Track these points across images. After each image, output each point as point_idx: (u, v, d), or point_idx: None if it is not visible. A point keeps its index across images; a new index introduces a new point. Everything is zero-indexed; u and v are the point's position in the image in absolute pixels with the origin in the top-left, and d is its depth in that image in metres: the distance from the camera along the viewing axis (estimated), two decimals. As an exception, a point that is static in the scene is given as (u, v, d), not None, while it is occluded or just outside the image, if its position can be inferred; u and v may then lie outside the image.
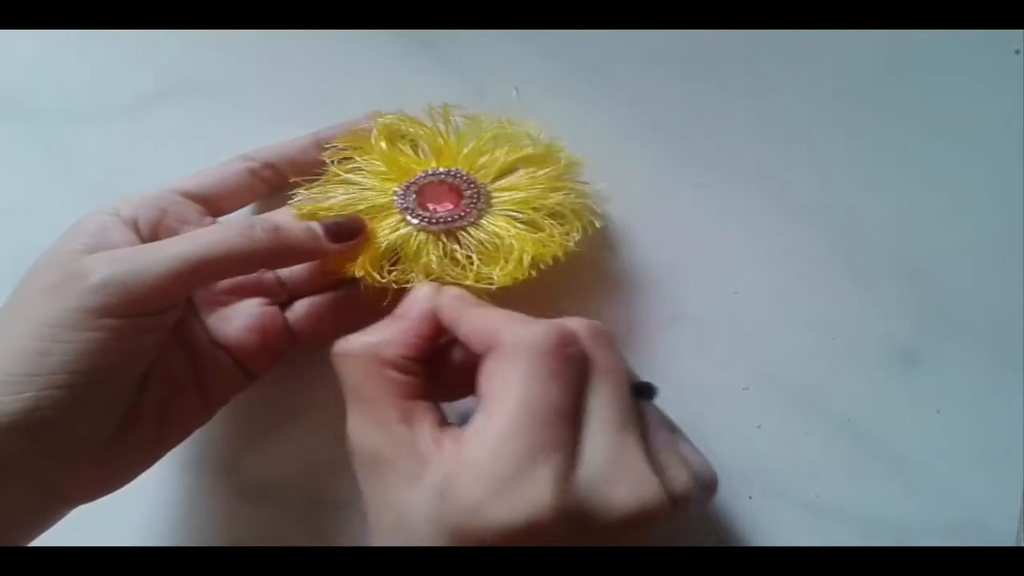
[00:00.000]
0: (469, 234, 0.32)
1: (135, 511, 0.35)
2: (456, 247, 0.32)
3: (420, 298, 0.29)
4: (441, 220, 0.32)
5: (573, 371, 0.25)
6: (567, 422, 0.24)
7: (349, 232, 0.31)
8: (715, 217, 0.34)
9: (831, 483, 0.33)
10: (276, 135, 0.34)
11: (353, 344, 0.28)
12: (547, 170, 0.32)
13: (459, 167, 0.32)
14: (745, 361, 0.31)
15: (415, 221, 0.32)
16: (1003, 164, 0.33)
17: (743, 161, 0.34)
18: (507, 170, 0.33)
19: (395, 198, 0.32)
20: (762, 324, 0.33)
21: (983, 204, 0.33)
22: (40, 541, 0.29)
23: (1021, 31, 0.33)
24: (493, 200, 0.32)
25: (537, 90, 0.34)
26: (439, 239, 0.32)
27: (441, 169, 0.32)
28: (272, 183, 0.33)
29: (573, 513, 0.23)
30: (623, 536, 0.24)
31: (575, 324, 0.26)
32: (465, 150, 0.32)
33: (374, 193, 0.32)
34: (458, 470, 0.24)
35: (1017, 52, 0.33)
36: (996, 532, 0.32)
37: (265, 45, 0.36)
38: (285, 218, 0.31)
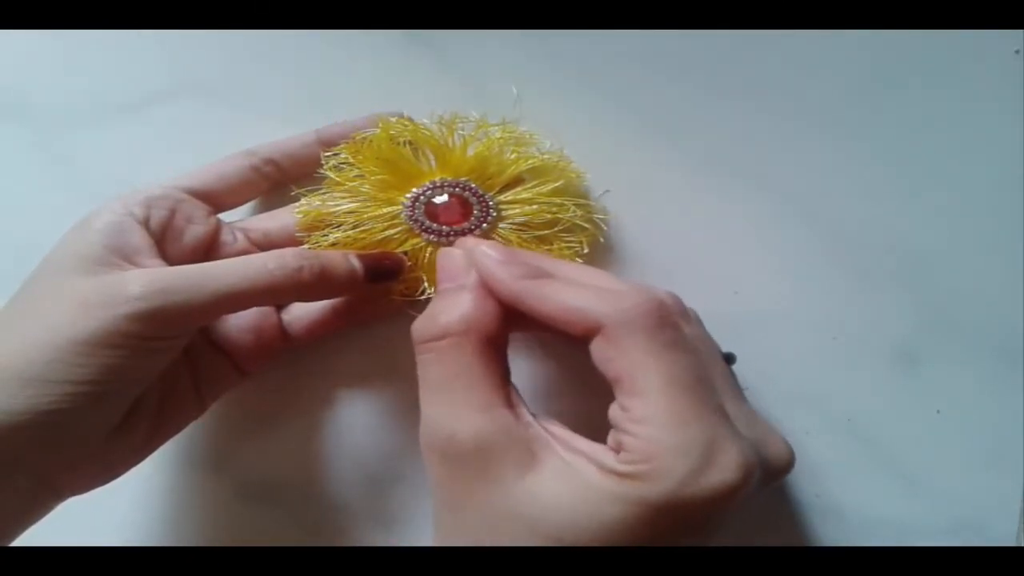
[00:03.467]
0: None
1: (135, 511, 0.35)
2: None
3: (461, 266, 0.27)
4: (452, 234, 0.32)
5: (683, 338, 0.25)
6: (709, 385, 0.24)
7: (388, 273, 0.31)
8: (715, 217, 0.34)
9: (831, 483, 0.33)
10: (276, 135, 0.34)
11: (450, 320, 0.26)
12: (555, 184, 0.32)
13: (467, 179, 0.32)
14: (745, 361, 0.31)
15: (429, 236, 0.32)
16: (1003, 164, 0.33)
17: (743, 161, 0.34)
18: (514, 181, 0.33)
19: (403, 209, 0.32)
20: (762, 324, 0.33)
21: (983, 204, 0.33)
22: (40, 540, 0.29)
23: (1021, 31, 0.33)
24: (501, 213, 0.32)
25: (537, 90, 0.34)
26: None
27: (450, 180, 0.32)
28: (274, 179, 0.33)
29: (756, 469, 0.24)
30: (775, 483, 0.25)
31: (661, 294, 0.26)
32: (471, 160, 0.32)
33: (379, 202, 0.32)
34: (650, 450, 0.23)
35: (1017, 52, 0.33)
36: (996, 532, 0.32)
37: (265, 45, 0.36)
38: (330, 259, 0.30)
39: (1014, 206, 0.33)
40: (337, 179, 0.32)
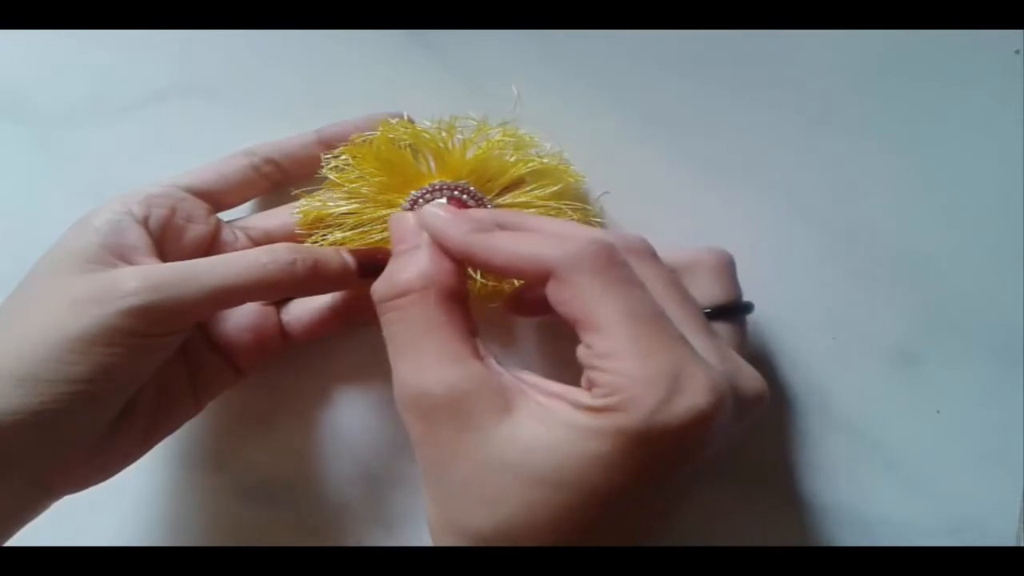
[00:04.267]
0: None
1: (134, 511, 0.35)
2: None
3: (412, 228, 0.27)
4: None
5: (634, 275, 0.25)
6: (667, 318, 0.24)
7: (380, 268, 0.31)
8: (715, 217, 0.34)
9: (831, 483, 0.33)
10: (275, 135, 0.34)
11: (408, 277, 0.26)
12: (554, 188, 0.32)
13: (466, 181, 0.32)
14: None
15: None
16: (1003, 164, 0.33)
17: (743, 161, 0.34)
18: (513, 184, 0.33)
19: (401, 210, 0.32)
20: (762, 324, 0.33)
21: (983, 204, 0.33)
22: (39, 540, 0.29)
23: (1021, 31, 0.33)
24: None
25: (537, 90, 0.34)
26: None
27: (449, 183, 0.32)
28: (274, 179, 0.33)
29: (728, 396, 0.24)
30: (751, 418, 0.25)
31: (610, 235, 0.26)
32: (471, 162, 0.32)
33: (378, 204, 0.32)
34: (618, 383, 0.23)
35: (1017, 52, 0.33)
36: (996, 532, 0.32)
37: (264, 45, 0.36)
38: (323, 253, 0.30)
39: (1014, 206, 0.33)
40: (337, 180, 0.32)
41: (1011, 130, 0.33)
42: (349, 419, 0.35)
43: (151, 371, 0.29)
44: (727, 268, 0.31)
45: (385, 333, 0.26)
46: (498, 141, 0.32)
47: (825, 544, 0.33)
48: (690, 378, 0.23)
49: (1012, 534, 0.32)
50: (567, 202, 0.32)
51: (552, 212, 0.32)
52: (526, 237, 0.26)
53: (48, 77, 0.37)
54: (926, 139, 0.33)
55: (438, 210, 0.27)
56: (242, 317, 0.32)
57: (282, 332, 0.33)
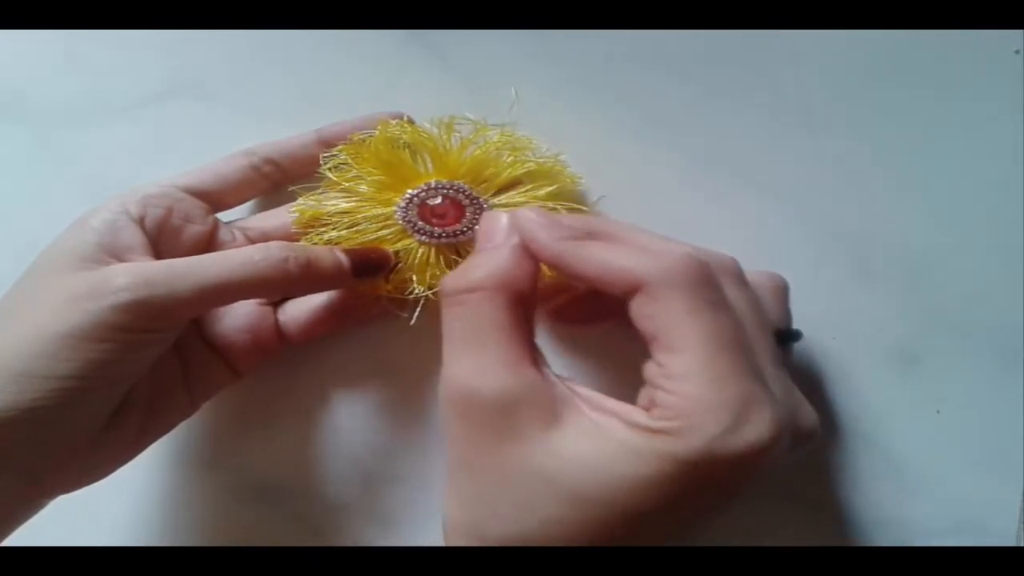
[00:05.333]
0: (471, 248, 0.32)
1: (132, 510, 0.35)
2: (456, 258, 0.32)
3: (503, 228, 0.27)
4: (444, 235, 0.32)
5: (724, 299, 0.25)
6: (747, 347, 0.24)
7: (374, 268, 0.31)
8: (714, 217, 0.34)
9: (831, 483, 0.33)
10: (275, 135, 0.34)
11: (483, 275, 0.25)
12: (549, 188, 0.32)
13: (462, 181, 0.32)
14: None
15: (421, 237, 0.32)
16: (1003, 164, 0.33)
17: (742, 161, 0.34)
18: (509, 184, 0.33)
19: (397, 210, 0.32)
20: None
21: (983, 204, 0.33)
22: (38, 541, 0.29)
23: (1021, 31, 0.33)
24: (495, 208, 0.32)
25: (536, 90, 0.34)
26: (441, 251, 0.32)
27: (444, 183, 0.32)
28: (273, 179, 0.33)
29: (787, 432, 0.24)
30: (802, 450, 0.25)
31: (704, 254, 0.26)
32: (468, 162, 0.32)
33: (375, 203, 0.32)
34: (684, 407, 0.23)
35: (1017, 52, 0.33)
36: (996, 532, 0.32)
37: (265, 45, 0.36)
38: (316, 251, 0.30)
39: (1014, 206, 0.33)
40: (335, 179, 0.32)
41: (1011, 130, 0.33)
42: (348, 419, 0.35)
43: (144, 368, 0.29)
44: (784, 294, 0.31)
45: (445, 325, 0.26)
46: (495, 142, 0.32)
47: (825, 544, 0.33)
48: (756, 411, 0.23)
49: (1012, 534, 0.32)
50: (563, 203, 0.32)
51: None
52: (619, 249, 0.25)
53: (48, 77, 0.37)
54: (926, 139, 0.33)
55: (532, 214, 0.27)
56: (239, 317, 0.32)
57: (279, 333, 0.33)
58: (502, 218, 0.27)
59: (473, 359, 0.25)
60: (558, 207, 0.32)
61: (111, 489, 0.30)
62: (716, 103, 0.34)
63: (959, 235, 0.33)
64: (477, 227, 0.28)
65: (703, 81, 0.34)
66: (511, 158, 0.32)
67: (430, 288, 0.32)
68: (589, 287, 0.28)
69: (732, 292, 0.26)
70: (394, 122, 0.33)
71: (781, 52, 0.34)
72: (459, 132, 0.32)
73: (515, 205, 0.32)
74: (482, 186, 0.32)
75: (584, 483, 0.23)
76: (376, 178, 0.32)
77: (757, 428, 0.23)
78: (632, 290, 0.24)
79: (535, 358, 0.25)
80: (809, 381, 0.33)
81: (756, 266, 0.33)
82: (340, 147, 0.32)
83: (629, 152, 0.34)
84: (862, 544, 0.32)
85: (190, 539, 0.35)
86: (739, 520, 0.33)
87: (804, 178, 0.34)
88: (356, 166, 0.32)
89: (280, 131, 0.34)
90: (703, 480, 0.23)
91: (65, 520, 0.30)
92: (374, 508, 0.34)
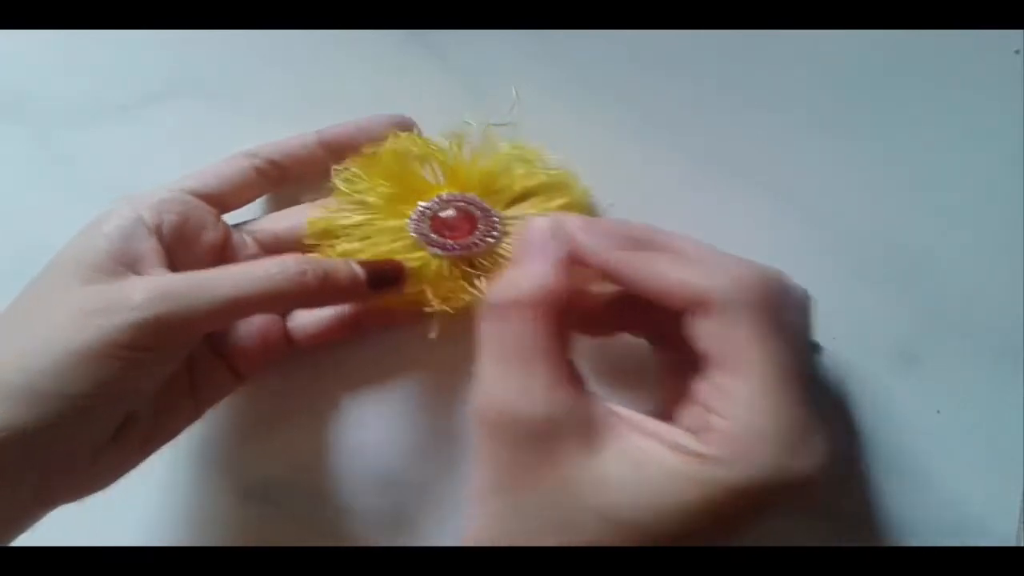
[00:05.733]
0: (483, 260, 0.32)
1: (135, 511, 0.35)
2: (470, 270, 0.32)
3: (545, 237, 0.26)
4: (457, 248, 0.32)
5: (789, 324, 0.24)
6: (804, 375, 0.24)
7: (389, 281, 0.31)
8: (715, 217, 0.34)
9: (831, 483, 0.33)
10: (276, 135, 0.34)
11: (527, 289, 0.24)
12: (561, 200, 0.32)
13: (474, 193, 0.32)
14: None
15: (434, 250, 0.32)
16: (1003, 164, 0.33)
17: (743, 161, 0.34)
18: (520, 196, 0.33)
19: (409, 223, 0.32)
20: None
21: (983, 204, 0.33)
22: (40, 540, 0.29)
23: (1021, 31, 0.33)
24: (507, 228, 0.32)
25: (536, 90, 0.34)
26: (455, 264, 0.32)
27: (456, 195, 0.32)
28: (275, 180, 0.33)
29: (830, 460, 0.23)
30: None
31: (770, 273, 0.25)
32: (479, 174, 0.32)
33: (386, 215, 0.32)
34: (741, 433, 0.22)
35: (1017, 52, 0.33)
36: (996, 532, 0.32)
37: (265, 45, 0.36)
38: (332, 264, 0.30)
39: (1014, 206, 0.33)
40: (346, 191, 0.32)
41: (1011, 130, 0.33)
42: (352, 420, 0.35)
43: (155, 385, 0.28)
44: (809, 308, 0.30)
45: (484, 341, 0.25)
46: (506, 154, 0.32)
47: (824, 544, 0.33)
48: (807, 443, 0.23)
49: (1012, 534, 0.32)
50: (575, 215, 0.32)
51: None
52: (682, 261, 0.25)
53: (48, 77, 0.37)
54: (926, 139, 0.33)
55: (579, 221, 0.26)
56: (248, 323, 0.32)
57: (287, 338, 0.33)
58: (544, 226, 0.26)
59: (517, 380, 0.24)
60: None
61: (113, 489, 0.30)
62: (716, 103, 0.34)
63: (959, 235, 0.33)
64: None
65: (703, 81, 0.34)
66: (522, 170, 0.32)
67: (444, 300, 0.32)
68: (616, 296, 0.27)
69: (791, 314, 0.25)
70: (403, 134, 0.32)
71: (781, 52, 0.34)
72: (469, 143, 0.32)
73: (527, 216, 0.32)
74: (493, 198, 0.32)
75: (626, 508, 0.23)
76: (387, 190, 0.32)
77: (806, 460, 0.23)
78: (695, 306, 0.24)
79: (573, 377, 0.25)
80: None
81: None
82: (350, 160, 0.32)
83: (629, 152, 0.34)
84: (862, 544, 0.32)
85: (191, 539, 0.35)
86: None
87: (804, 178, 0.34)
88: (366, 179, 0.32)
89: (280, 131, 0.34)
90: (747, 507, 0.23)
91: (67, 520, 0.29)
92: (377, 509, 0.34)
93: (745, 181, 0.34)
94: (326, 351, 0.35)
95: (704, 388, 0.24)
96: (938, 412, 0.33)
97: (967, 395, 0.33)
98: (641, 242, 0.26)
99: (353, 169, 0.32)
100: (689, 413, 0.24)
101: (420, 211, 0.32)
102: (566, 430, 0.23)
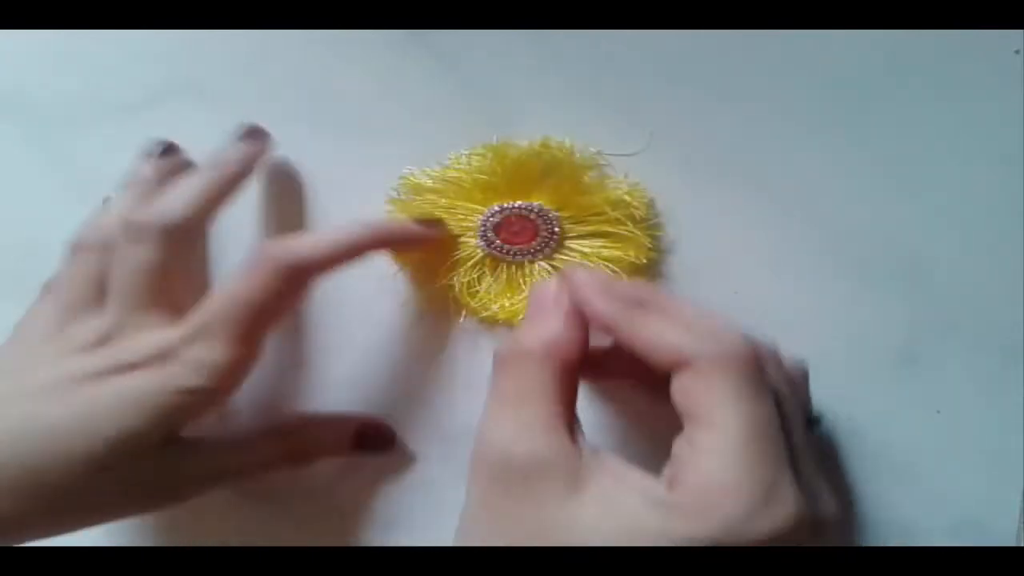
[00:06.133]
0: (537, 267, 0.33)
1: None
2: (523, 275, 0.34)
3: (553, 295, 0.28)
4: (516, 253, 0.33)
5: (766, 386, 0.25)
6: (782, 438, 0.25)
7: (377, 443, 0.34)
8: (714, 217, 0.34)
9: (832, 483, 0.33)
10: (275, 135, 0.34)
11: (533, 342, 0.26)
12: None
13: (541, 203, 0.33)
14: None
15: (493, 251, 0.33)
16: (1003, 164, 0.33)
17: (743, 161, 0.34)
18: (586, 210, 0.33)
19: (476, 224, 0.33)
20: (762, 324, 0.33)
21: (983, 204, 0.33)
22: (40, 540, 0.29)
23: (1021, 31, 0.33)
24: (565, 239, 0.33)
25: (537, 90, 0.34)
26: (510, 267, 0.34)
27: (522, 204, 0.33)
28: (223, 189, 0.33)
29: (808, 521, 0.24)
30: (819, 539, 0.25)
31: (754, 340, 0.26)
32: (546, 184, 0.33)
33: (459, 214, 0.34)
34: (706, 486, 0.23)
35: (1017, 52, 0.33)
36: (996, 532, 0.32)
37: (265, 45, 0.36)
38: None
39: (1014, 206, 0.33)
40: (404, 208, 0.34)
41: (1011, 130, 0.33)
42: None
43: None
44: (807, 382, 0.31)
45: (493, 384, 0.27)
46: (577, 165, 0.33)
47: (825, 544, 0.33)
48: (778, 499, 0.23)
49: (1012, 534, 0.32)
50: (630, 229, 0.33)
51: (623, 234, 0.33)
52: (671, 323, 0.26)
53: (47, 77, 0.37)
54: (926, 139, 0.33)
55: (587, 277, 0.28)
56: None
57: None
58: (552, 285, 0.28)
59: (514, 419, 0.25)
60: (635, 233, 0.33)
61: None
62: (716, 103, 0.34)
63: (959, 235, 0.33)
64: (532, 291, 0.30)
65: (703, 81, 0.34)
66: (594, 189, 0.33)
67: (495, 300, 0.33)
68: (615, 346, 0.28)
69: (774, 375, 0.26)
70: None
71: (781, 52, 0.34)
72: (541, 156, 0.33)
73: (590, 234, 0.33)
74: (560, 209, 0.33)
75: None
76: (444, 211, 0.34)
77: (775, 516, 0.23)
78: (678, 366, 0.25)
79: (571, 425, 0.26)
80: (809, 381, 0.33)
81: (755, 265, 0.34)
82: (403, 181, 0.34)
83: (629, 152, 0.34)
84: (862, 544, 0.32)
85: (191, 539, 0.35)
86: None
87: (804, 178, 0.34)
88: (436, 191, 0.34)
89: (279, 131, 0.34)
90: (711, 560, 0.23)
91: (65, 520, 0.29)
92: (375, 508, 0.35)
93: (744, 181, 0.34)
94: (325, 352, 0.35)
95: (680, 443, 0.25)
96: (938, 412, 0.33)
97: (967, 395, 0.33)
98: (642, 302, 0.27)
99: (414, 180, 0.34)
100: (669, 465, 0.25)
101: (487, 215, 0.33)
102: (554, 472, 0.24)
